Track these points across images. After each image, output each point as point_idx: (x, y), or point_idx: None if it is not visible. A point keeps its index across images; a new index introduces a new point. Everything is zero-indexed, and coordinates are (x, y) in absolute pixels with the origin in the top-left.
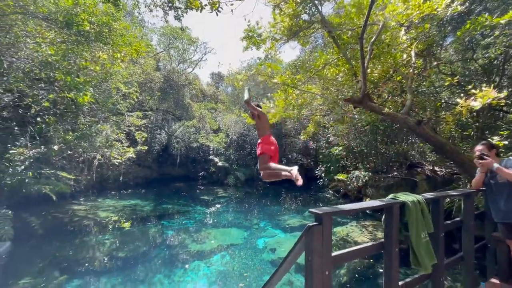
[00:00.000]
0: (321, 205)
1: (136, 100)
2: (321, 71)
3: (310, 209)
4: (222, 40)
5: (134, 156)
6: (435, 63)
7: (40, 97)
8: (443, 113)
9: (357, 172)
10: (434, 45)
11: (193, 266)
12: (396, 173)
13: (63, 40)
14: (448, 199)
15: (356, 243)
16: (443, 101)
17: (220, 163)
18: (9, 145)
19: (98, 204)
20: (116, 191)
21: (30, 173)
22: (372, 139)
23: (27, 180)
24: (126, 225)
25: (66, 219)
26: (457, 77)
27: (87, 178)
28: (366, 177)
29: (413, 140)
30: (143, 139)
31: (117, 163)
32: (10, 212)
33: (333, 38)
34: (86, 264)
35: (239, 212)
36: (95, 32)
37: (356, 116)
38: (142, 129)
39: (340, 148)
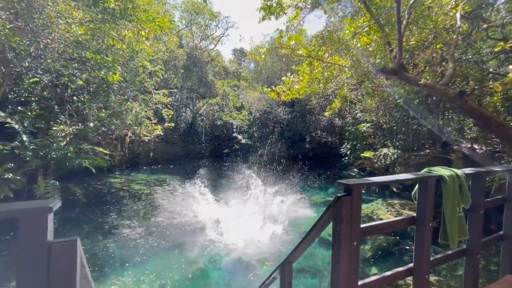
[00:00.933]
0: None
1: (161, 78)
2: (350, 41)
3: (339, 180)
4: (244, 14)
5: (162, 134)
6: (484, 25)
7: (75, 76)
8: (490, 83)
9: (385, 150)
10: (484, 6)
11: (221, 233)
12: (428, 151)
13: (91, 19)
14: (488, 178)
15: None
16: (490, 69)
17: (243, 141)
18: (51, 123)
19: (131, 178)
20: (147, 166)
21: (72, 148)
22: (403, 115)
23: (69, 154)
24: (158, 196)
25: (105, 190)
26: (510, 42)
27: (120, 154)
28: (395, 155)
29: (450, 116)
30: (170, 116)
31: (146, 140)
32: (57, 183)
33: (364, 3)
34: (125, 230)
35: (262, 189)
36: (120, 9)
37: (388, 89)
38: (169, 106)
39: (368, 124)
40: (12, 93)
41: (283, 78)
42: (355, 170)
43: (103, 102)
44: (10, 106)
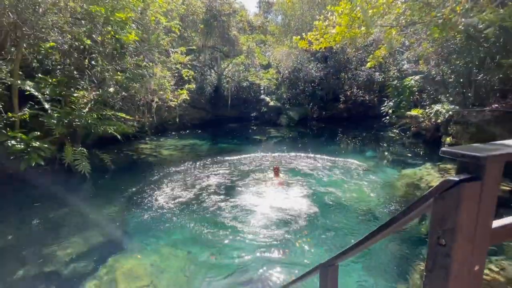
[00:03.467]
0: (385, 145)
1: (178, 35)
2: None
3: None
4: None
5: (188, 98)
6: None
7: (86, 37)
8: None
9: (437, 106)
10: None
11: (251, 201)
12: (496, 105)
13: None
14: None
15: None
16: None
17: (271, 103)
18: (72, 89)
19: (161, 144)
20: (176, 131)
21: (95, 114)
22: (468, 61)
23: (89, 121)
24: (187, 162)
25: (135, 156)
26: None
27: (149, 120)
28: (450, 112)
29: None
30: (191, 76)
31: (173, 105)
32: (85, 150)
33: None
34: (155, 197)
35: (292, 153)
36: None
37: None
38: (188, 66)
39: (417, 77)
40: (35, 61)
41: (316, 22)
42: (395, 131)
43: (120, 65)
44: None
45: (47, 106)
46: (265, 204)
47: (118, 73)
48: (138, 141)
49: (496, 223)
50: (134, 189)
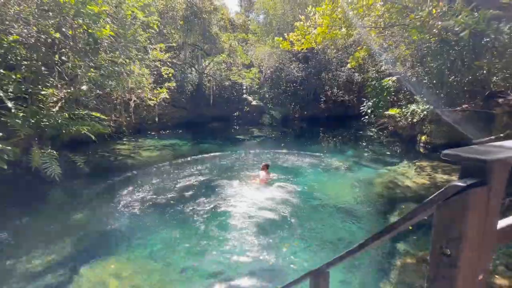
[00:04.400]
0: (364, 143)
1: (157, 30)
2: None
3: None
4: None
5: (167, 97)
6: None
7: (53, 30)
8: None
9: (413, 106)
10: None
11: (233, 202)
12: (466, 105)
13: None
14: None
15: (410, 188)
16: None
17: (254, 102)
18: (39, 86)
19: (139, 144)
20: (155, 131)
21: (66, 113)
22: (440, 64)
23: (59, 121)
24: (167, 163)
25: (111, 158)
26: None
27: (127, 119)
28: (425, 111)
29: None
30: (170, 74)
31: (152, 104)
32: (55, 152)
33: None
34: (132, 202)
35: (275, 152)
36: None
37: (444, 22)
38: (168, 64)
39: (394, 78)
40: None
41: (297, 23)
42: (373, 130)
43: (93, 61)
44: None
45: (10, 104)
46: (247, 204)
47: (92, 69)
48: (115, 142)
49: (502, 223)
50: (109, 193)
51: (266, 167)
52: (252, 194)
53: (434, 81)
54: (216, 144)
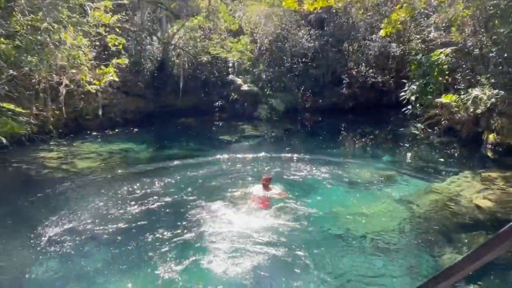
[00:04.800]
0: (405, 146)
1: None
2: None
3: None
4: None
5: (117, 80)
6: None
7: None
8: None
9: (476, 91)
10: None
11: (212, 237)
12: None
13: None
14: None
15: (474, 211)
16: None
17: (245, 87)
18: None
19: (74, 150)
20: (98, 131)
21: None
22: None
23: None
24: (114, 177)
25: (33, 170)
26: None
27: (55, 113)
28: (493, 99)
29: None
30: (120, 46)
31: (93, 91)
32: None
33: None
34: (61, 235)
35: (278, 159)
36: None
37: None
38: (117, 30)
39: (448, 50)
40: None
41: None
42: (419, 126)
43: (5, 27)
44: None
45: None
46: (236, 238)
47: (2, 39)
48: (38, 147)
49: None
50: (26, 224)
51: (268, 182)
52: (244, 223)
53: (505, 54)
54: (189, 149)
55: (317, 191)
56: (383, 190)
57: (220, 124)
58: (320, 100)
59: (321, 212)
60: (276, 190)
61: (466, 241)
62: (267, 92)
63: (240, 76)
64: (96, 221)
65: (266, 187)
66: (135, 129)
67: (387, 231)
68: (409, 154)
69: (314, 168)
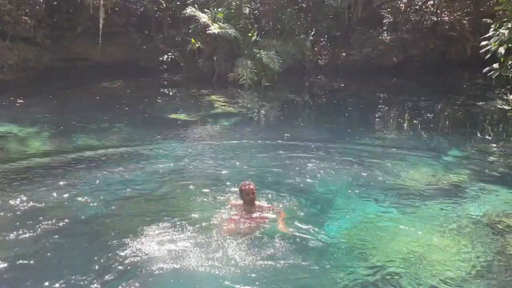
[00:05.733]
0: (487, 131)
1: None
2: None
3: None
4: None
5: None
6: None
7: None
8: None
9: None
10: None
11: None
12: None
13: None
14: None
15: None
16: None
17: (214, 28)
18: None
19: None
20: None
21: None
22: None
23: None
24: None
25: None
26: None
27: None
28: None
29: None
30: None
31: None
32: None
33: None
34: None
35: (269, 146)
36: None
37: None
38: None
39: None
40: None
41: None
42: (511, 97)
43: None
44: None
45: None
46: None
47: None
48: None
49: None
50: None
51: (254, 194)
52: (213, 265)
53: None
54: (115, 134)
55: (340, 205)
56: (452, 205)
57: (170, 92)
58: (343, 53)
59: (348, 243)
60: (266, 205)
61: None
62: (253, 39)
63: (206, 10)
64: None
65: (251, 203)
66: (19, 100)
67: (464, 280)
68: (494, 146)
69: (331, 166)
